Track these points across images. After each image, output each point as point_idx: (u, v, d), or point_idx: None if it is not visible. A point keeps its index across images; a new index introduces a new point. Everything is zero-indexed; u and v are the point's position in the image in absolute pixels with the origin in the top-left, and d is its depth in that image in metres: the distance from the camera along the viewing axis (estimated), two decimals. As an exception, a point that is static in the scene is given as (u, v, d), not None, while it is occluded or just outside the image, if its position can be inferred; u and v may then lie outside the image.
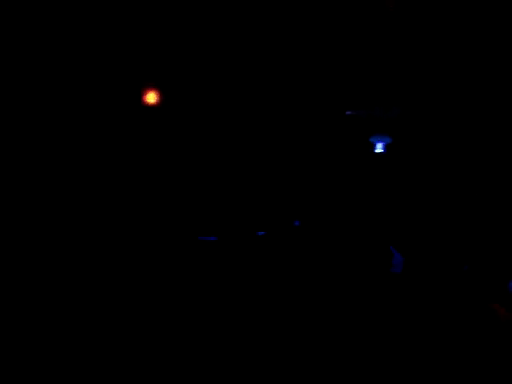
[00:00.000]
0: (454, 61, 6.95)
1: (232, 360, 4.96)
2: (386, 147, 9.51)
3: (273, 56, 7.11)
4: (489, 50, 6.60)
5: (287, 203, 9.35)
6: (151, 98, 6.32)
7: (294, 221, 9.37)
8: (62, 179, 6.87)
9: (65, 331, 5.21)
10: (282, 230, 8.87)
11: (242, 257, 6.99)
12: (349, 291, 7.12)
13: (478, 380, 4.46)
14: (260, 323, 5.63)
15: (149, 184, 7.64)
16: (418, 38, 6.32)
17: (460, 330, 5.24)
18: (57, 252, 6.24)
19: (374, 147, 9.43)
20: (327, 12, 6.16)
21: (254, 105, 8.34)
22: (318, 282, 7.30)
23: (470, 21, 5.92)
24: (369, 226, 9.43)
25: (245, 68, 7.29)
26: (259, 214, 8.93)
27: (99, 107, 6.91)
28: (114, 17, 6.08)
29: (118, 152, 7.09)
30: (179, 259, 6.37)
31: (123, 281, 5.96)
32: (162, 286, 5.94)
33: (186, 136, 7.96)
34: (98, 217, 6.98)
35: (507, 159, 9.27)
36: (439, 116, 8.71)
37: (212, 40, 6.63)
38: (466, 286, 8.10)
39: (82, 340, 5.04)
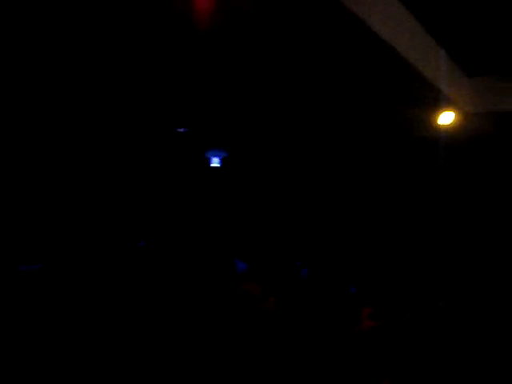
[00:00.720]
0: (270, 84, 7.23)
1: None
2: (221, 161, 9.68)
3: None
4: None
5: (128, 225, 9.23)
6: None
7: (139, 242, 9.26)
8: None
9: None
10: (129, 253, 8.74)
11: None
12: (197, 300, 7.13)
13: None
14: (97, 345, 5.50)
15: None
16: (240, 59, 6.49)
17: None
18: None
19: (209, 161, 9.57)
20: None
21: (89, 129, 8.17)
22: (166, 295, 7.24)
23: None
24: (211, 238, 9.53)
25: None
26: (102, 240, 8.73)
27: None
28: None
29: None
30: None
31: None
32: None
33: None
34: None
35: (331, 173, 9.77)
36: (271, 131, 9.02)
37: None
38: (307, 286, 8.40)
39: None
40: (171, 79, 6.97)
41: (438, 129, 7.42)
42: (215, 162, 9.58)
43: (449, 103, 6.85)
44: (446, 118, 7.13)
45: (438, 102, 6.76)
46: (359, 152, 9.37)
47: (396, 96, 7.25)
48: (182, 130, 8.82)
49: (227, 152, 9.64)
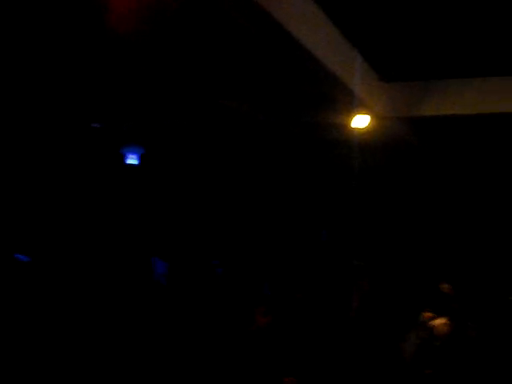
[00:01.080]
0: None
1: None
2: (139, 158, 9.49)
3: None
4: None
5: (41, 224, 8.95)
6: None
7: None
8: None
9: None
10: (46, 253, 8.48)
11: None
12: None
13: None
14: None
15: None
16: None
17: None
18: None
19: (125, 158, 9.36)
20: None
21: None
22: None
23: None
24: (128, 238, 9.37)
25: None
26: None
27: None
28: None
29: None
30: None
31: None
32: None
33: None
34: None
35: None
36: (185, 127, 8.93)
37: None
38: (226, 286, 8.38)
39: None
40: (86, 74, 6.83)
41: (351, 132, 7.50)
42: (131, 159, 9.39)
43: (363, 107, 6.93)
44: (360, 122, 7.21)
45: (352, 106, 6.82)
46: (272, 153, 9.42)
47: (310, 98, 7.29)
48: (96, 125, 8.60)
49: (145, 149, 9.46)
